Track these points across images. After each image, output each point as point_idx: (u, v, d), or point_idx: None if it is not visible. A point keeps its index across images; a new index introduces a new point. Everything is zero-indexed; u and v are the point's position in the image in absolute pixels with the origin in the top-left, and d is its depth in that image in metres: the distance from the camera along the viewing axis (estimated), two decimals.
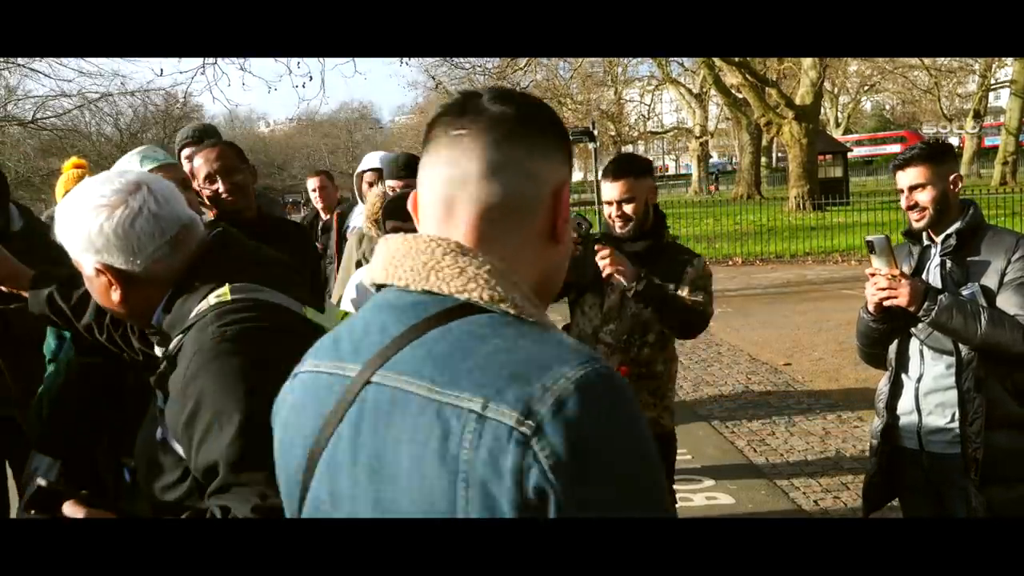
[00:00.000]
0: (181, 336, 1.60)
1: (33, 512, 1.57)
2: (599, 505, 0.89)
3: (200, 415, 1.49)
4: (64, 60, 19.92)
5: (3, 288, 2.36)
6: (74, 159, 4.39)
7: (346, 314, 1.84)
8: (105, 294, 1.69)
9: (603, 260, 3.03)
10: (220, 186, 3.07)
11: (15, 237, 3.62)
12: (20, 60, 19.14)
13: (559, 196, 1.09)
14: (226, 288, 1.61)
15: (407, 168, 4.07)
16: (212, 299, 1.60)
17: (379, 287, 1.10)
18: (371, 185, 5.04)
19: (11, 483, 3.73)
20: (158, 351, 1.78)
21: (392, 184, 4.06)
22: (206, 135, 3.85)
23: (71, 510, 1.54)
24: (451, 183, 1.06)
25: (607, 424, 0.90)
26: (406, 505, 0.93)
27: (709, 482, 5.07)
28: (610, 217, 3.22)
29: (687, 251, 3.34)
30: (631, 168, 3.23)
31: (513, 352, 0.94)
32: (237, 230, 1.90)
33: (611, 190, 3.19)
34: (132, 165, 2.58)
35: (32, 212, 3.93)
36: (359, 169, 5.10)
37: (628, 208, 3.16)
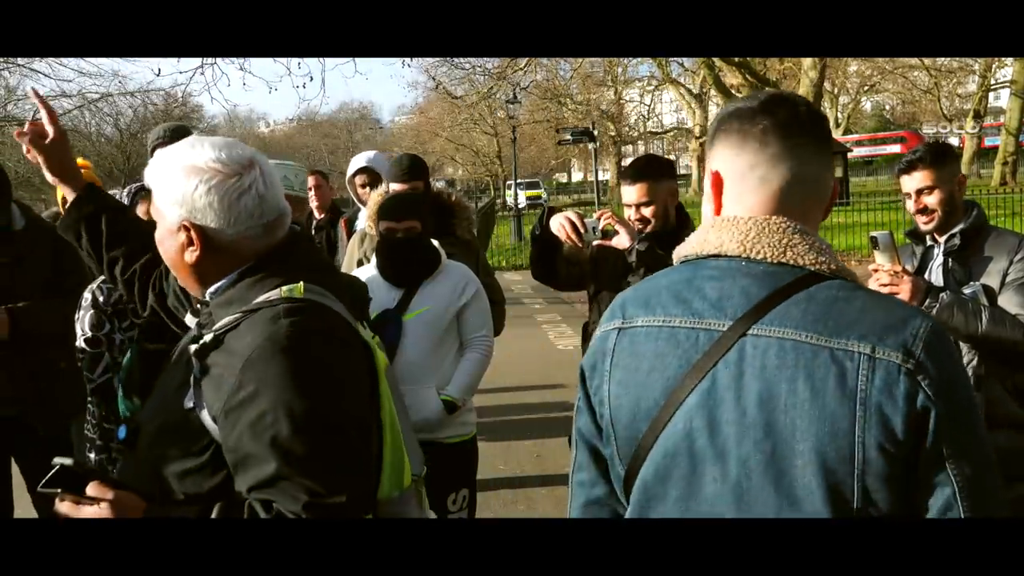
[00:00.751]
0: (239, 316, 1.60)
1: (58, 490, 1.57)
2: (959, 413, 1.24)
3: (256, 401, 1.50)
4: (64, 60, 19.95)
5: (57, 174, 2.27)
6: (78, 160, 4.38)
7: (375, 337, 1.86)
8: (179, 251, 1.69)
9: (604, 219, 3.05)
10: None
11: (17, 236, 3.62)
12: (20, 60, 19.15)
13: (833, 180, 1.42)
14: (300, 285, 1.62)
15: (411, 171, 4.08)
16: (284, 290, 1.61)
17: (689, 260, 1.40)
18: (364, 187, 5.03)
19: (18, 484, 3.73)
20: (189, 319, 1.79)
21: (396, 187, 4.06)
22: (178, 135, 3.82)
23: (96, 490, 1.56)
24: (764, 170, 1.35)
25: (952, 356, 1.26)
26: (804, 426, 1.22)
27: None
28: (630, 220, 3.20)
29: None
30: (649, 171, 3.20)
31: (875, 310, 1.26)
32: None
33: (629, 193, 3.17)
34: None
35: (33, 211, 3.93)
36: (349, 173, 5.09)
37: (647, 211, 3.14)
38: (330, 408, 1.54)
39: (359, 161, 5.08)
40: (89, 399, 3.21)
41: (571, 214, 3.13)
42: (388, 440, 1.70)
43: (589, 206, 31.41)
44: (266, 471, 1.49)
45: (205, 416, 1.58)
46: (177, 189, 1.65)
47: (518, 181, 29.14)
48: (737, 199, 1.37)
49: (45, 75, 20.57)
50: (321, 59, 15.02)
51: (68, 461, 1.58)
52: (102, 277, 3.12)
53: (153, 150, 3.76)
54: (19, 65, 19.74)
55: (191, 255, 1.67)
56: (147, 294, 2.20)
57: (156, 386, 1.82)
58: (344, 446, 1.54)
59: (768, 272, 1.30)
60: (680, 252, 1.43)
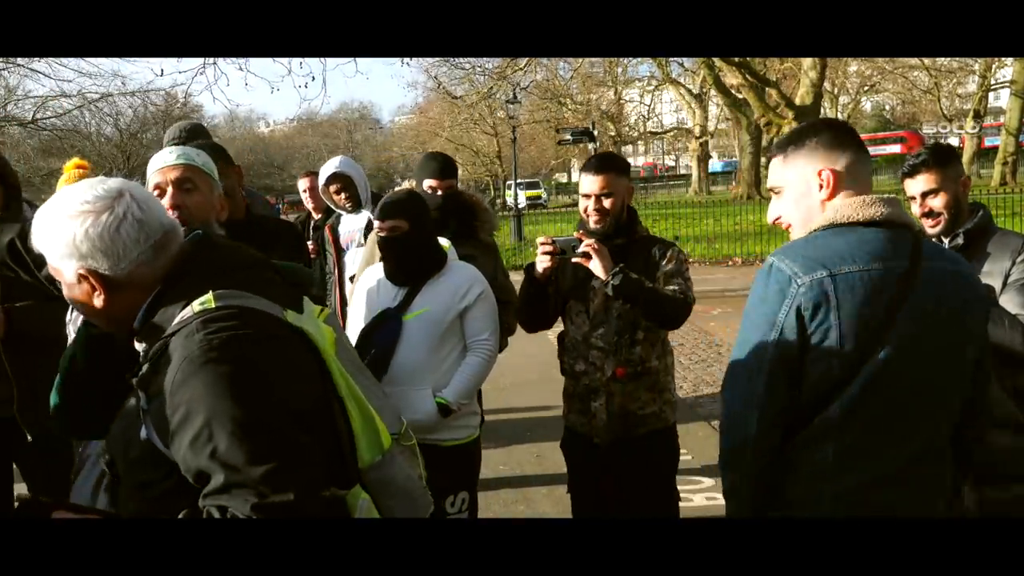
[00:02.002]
0: (164, 341, 1.62)
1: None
2: None
3: (190, 420, 1.52)
4: (64, 60, 19.93)
5: None
6: (75, 159, 4.38)
7: (322, 312, 1.87)
8: (88, 299, 1.71)
9: (587, 244, 3.07)
10: None
11: (29, 233, 3.61)
12: (20, 60, 19.14)
13: None
14: (210, 295, 1.63)
15: (445, 169, 4.23)
16: (196, 306, 1.62)
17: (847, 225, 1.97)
18: (338, 193, 4.99)
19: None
20: (138, 346, 1.79)
21: (432, 183, 4.15)
22: (194, 135, 3.83)
23: (60, 518, 1.58)
24: (864, 163, 2.08)
25: None
26: (971, 321, 2.01)
27: (709, 482, 5.06)
28: (586, 212, 3.24)
29: (660, 241, 3.36)
30: (613, 164, 3.26)
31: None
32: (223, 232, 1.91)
33: (592, 183, 3.21)
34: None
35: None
36: (321, 183, 5.04)
37: (607, 202, 3.19)
38: (261, 409, 1.55)
39: (328, 169, 5.03)
40: None
41: (541, 242, 3.17)
42: (353, 411, 1.73)
43: None
44: (215, 482, 1.51)
45: (158, 443, 1.61)
46: (62, 242, 1.67)
47: (518, 181, 29.12)
48: (853, 184, 2.01)
49: (45, 75, 20.72)
50: (322, 59, 15.01)
51: (26, 496, 1.62)
52: None
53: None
54: (19, 65, 19.72)
55: (99, 300, 1.70)
56: None
57: (119, 415, 1.84)
58: (283, 442, 1.55)
59: (901, 230, 1.96)
60: (831, 219, 1.98)
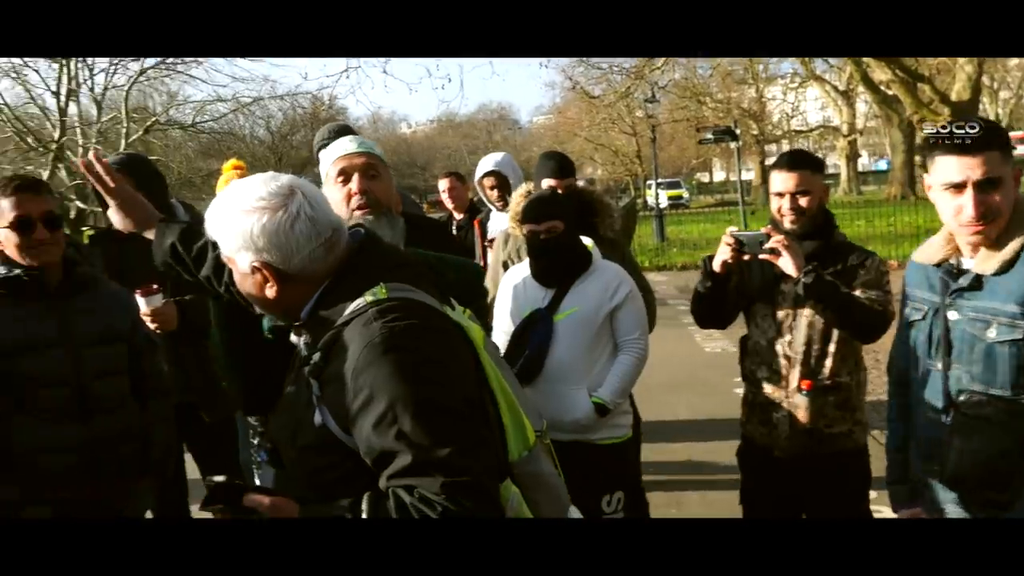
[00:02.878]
0: (337, 330, 1.69)
1: (219, 507, 1.67)
2: None
3: (374, 403, 1.59)
4: (219, 67, 20.93)
5: (126, 229, 2.47)
6: (233, 160, 4.61)
7: (466, 311, 1.92)
8: (259, 290, 1.80)
9: (775, 240, 2.90)
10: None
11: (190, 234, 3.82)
12: (179, 67, 20.21)
13: None
14: (382, 287, 1.70)
15: (563, 168, 4.13)
16: (368, 296, 1.69)
17: None
18: (492, 189, 5.07)
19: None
20: (293, 338, 1.87)
21: (551, 183, 4.07)
22: (339, 135, 3.94)
23: (252, 502, 1.65)
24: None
25: None
26: None
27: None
28: (779, 211, 3.08)
29: (859, 249, 3.14)
30: (807, 161, 3.10)
31: None
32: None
33: (785, 181, 3.04)
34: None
35: (195, 209, 4.14)
36: (477, 176, 5.13)
37: (803, 201, 3.03)
38: (441, 393, 1.62)
39: (487, 164, 5.13)
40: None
41: (727, 236, 3.03)
42: (503, 406, 1.78)
43: (732, 206, 30.75)
44: (402, 461, 1.58)
45: (335, 428, 1.68)
46: (237, 235, 1.75)
47: (659, 181, 28.81)
48: None
49: (203, 80, 21.80)
50: (459, 61, 15.26)
51: (221, 478, 1.69)
52: None
53: (318, 151, 3.90)
54: (179, 72, 20.85)
55: (271, 291, 1.78)
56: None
57: (279, 405, 1.90)
58: (462, 427, 1.62)
59: None
60: None
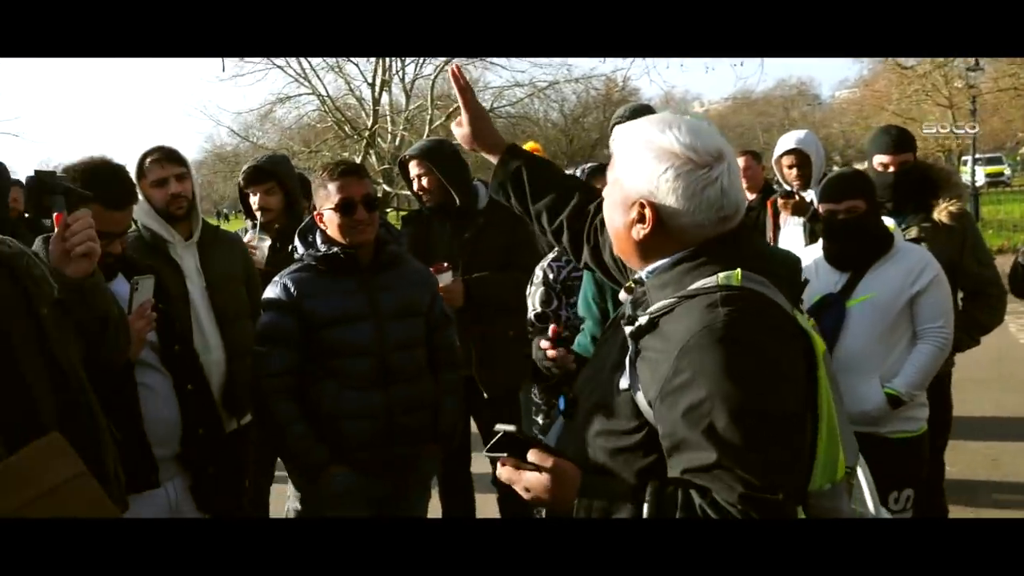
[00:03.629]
0: (675, 301, 1.63)
1: (503, 455, 1.68)
2: None
3: (692, 388, 1.52)
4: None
5: (469, 147, 2.48)
6: (531, 143, 4.77)
7: (810, 319, 1.77)
8: (627, 225, 1.73)
9: None
10: None
11: (480, 212, 4.05)
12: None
13: None
14: (738, 272, 1.61)
15: (900, 142, 3.87)
16: (722, 277, 1.61)
17: None
18: (790, 168, 4.87)
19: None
20: (622, 296, 1.85)
21: (885, 159, 3.86)
22: (637, 115, 3.95)
23: (537, 457, 1.65)
24: None
25: None
26: None
27: None
28: None
29: None
30: None
31: None
32: None
33: None
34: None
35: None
36: (777, 154, 4.96)
37: None
38: (767, 401, 1.51)
39: (788, 142, 4.94)
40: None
41: None
42: (823, 431, 1.63)
43: None
44: (703, 458, 1.49)
45: (640, 398, 1.62)
46: (645, 167, 1.67)
47: (976, 156, 26.39)
48: None
49: (503, 67, 22.58)
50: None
51: (511, 428, 1.68)
52: (552, 254, 3.36)
53: (613, 127, 3.97)
54: (481, 59, 21.87)
55: (639, 232, 1.71)
56: (581, 246, 2.24)
57: (591, 359, 1.90)
58: (781, 440, 1.51)
59: None
60: None
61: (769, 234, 5.06)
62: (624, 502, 1.57)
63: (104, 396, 2.39)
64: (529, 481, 1.65)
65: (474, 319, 3.88)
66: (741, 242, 1.72)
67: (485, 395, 4.00)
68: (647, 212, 1.68)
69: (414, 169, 4.10)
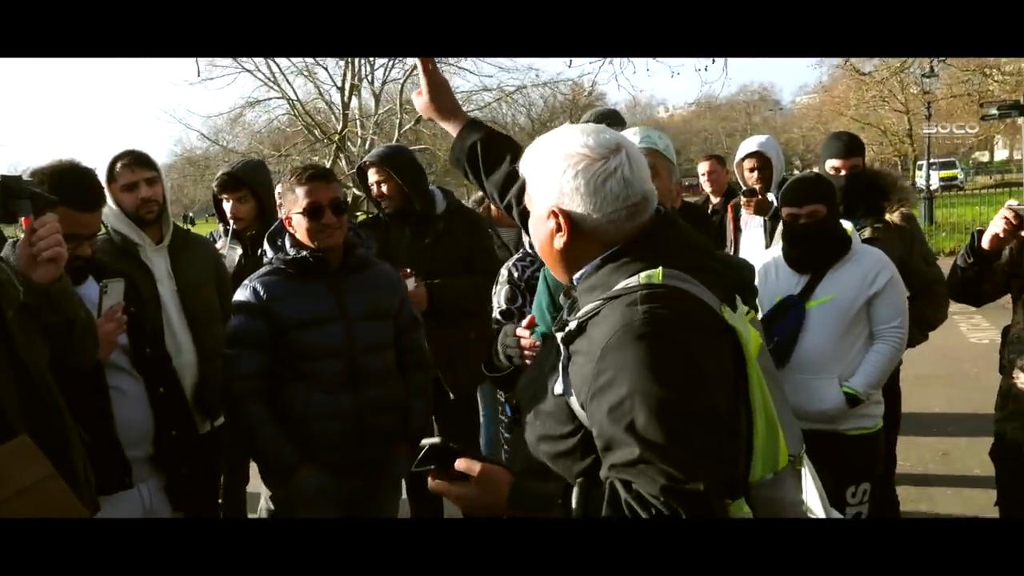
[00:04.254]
0: (600, 303, 1.64)
1: (431, 467, 1.70)
2: None
3: (614, 387, 1.53)
4: (486, 58, 21.67)
5: (427, 116, 2.47)
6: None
7: (749, 313, 1.79)
8: (548, 236, 1.75)
9: None
10: None
11: (439, 218, 4.06)
12: (450, 60, 21.21)
13: None
14: (660, 271, 1.62)
15: (851, 147, 3.97)
16: (643, 277, 1.62)
17: None
18: (752, 171, 4.93)
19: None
20: (562, 300, 1.87)
21: (836, 163, 3.96)
22: (605, 119, 3.99)
23: (464, 466, 1.68)
24: None
25: None
26: None
27: None
28: None
29: None
30: None
31: None
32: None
33: None
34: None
35: (454, 195, 4.36)
36: (738, 157, 5.02)
37: None
38: (687, 395, 1.52)
39: (750, 145, 5.00)
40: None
41: (1006, 208, 2.77)
42: (759, 423, 1.64)
43: (1015, 187, 28.01)
44: (627, 454, 1.50)
45: (573, 402, 1.64)
46: (548, 176, 1.70)
47: (931, 161, 26.77)
48: None
49: (471, 71, 22.58)
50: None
51: (436, 440, 1.70)
52: (518, 255, 3.38)
53: None
54: (450, 64, 21.84)
55: (559, 241, 1.72)
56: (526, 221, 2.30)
57: (530, 366, 1.92)
58: (702, 433, 1.51)
59: None
60: None
61: (730, 236, 5.10)
62: (554, 501, 1.59)
63: (74, 399, 2.38)
64: (459, 492, 1.69)
65: (437, 323, 3.89)
66: (665, 238, 1.72)
67: (451, 396, 4.02)
68: (560, 219, 1.70)
69: (373, 175, 4.11)
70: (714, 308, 1.64)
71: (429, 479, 1.73)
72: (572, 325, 1.66)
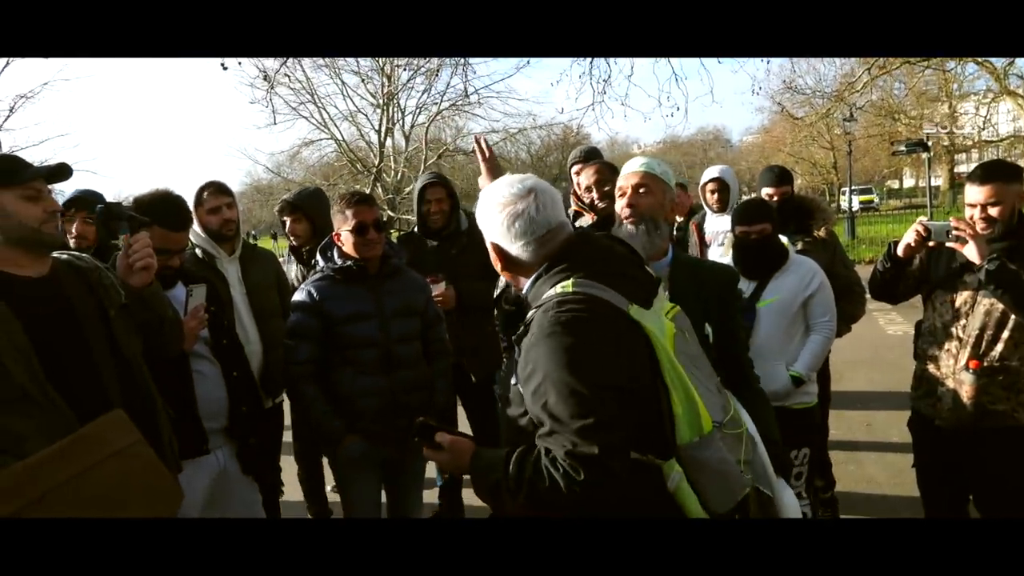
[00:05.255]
0: (534, 311, 1.69)
1: (417, 440, 1.85)
2: None
3: (534, 376, 1.61)
4: (495, 105, 21.70)
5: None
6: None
7: (671, 310, 1.78)
8: (496, 263, 1.86)
9: (958, 231, 2.60)
10: (595, 195, 3.15)
11: (462, 233, 4.05)
12: (466, 107, 21.24)
13: None
14: (571, 281, 1.67)
15: (782, 178, 4.10)
16: (559, 288, 1.68)
17: None
18: (713, 193, 4.89)
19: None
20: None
21: (770, 190, 4.08)
22: (590, 156, 4.08)
23: (440, 438, 1.81)
24: None
25: None
26: None
27: None
28: (971, 219, 2.72)
29: None
30: (999, 172, 2.71)
31: None
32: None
33: (977, 194, 2.69)
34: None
35: (474, 215, 4.33)
36: (702, 181, 4.99)
37: (994, 211, 2.67)
38: (584, 378, 1.55)
39: (713, 171, 4.96)
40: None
41: (917, 223, 2.75)
42: (676, 395, 1.64)
43: (920, 209, 27.99)
44: (545, 428, 1.59)
45: (521, 389, 1.68)
46: (486, 217, 1.81)
47: (852, 188, 26.72)
48: None
49: (482, 117, 22.61)
50: (685, 93, 14.83)
51: (424, 419, 1.85)
52: None
53: (571, 167, 4.05)
54: (464, 111, 21.92)
55: (498, 266, 1.84)
56: None
57: (508, 362, 1.93)
58: (596, 407, 1.54)
59: None
60: None
61: (696, 251, 5.07)
62: (500, 463, 1.67)
63: (163, 381, 2.40)
64: (438, 456, 1.83)
65: (462, 318, 3.87)
66: (582, 254, 1.75)
67: (473, 379, 3.99)
68: (494, 252, 1.82)
69: (435, 194, 4.06)
70: (619, 307, 1.65)
71: (423, 448, 1.86)
72: (521, 330, 1.71)
